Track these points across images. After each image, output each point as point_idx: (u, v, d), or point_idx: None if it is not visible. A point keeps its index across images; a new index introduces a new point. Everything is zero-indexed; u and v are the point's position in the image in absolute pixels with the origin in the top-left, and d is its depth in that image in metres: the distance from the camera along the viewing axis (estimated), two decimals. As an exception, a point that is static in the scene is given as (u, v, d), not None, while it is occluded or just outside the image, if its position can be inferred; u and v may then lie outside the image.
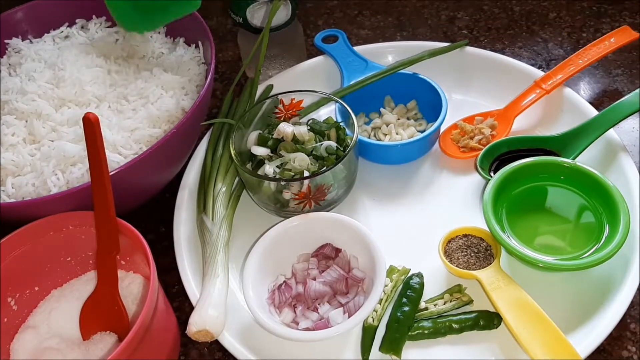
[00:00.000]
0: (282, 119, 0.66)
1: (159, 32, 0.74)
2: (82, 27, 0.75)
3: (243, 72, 0.71)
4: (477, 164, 0.64)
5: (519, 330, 0.50)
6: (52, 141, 0.60)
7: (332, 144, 0.62)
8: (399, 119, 0.70)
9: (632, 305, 0.52)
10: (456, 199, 0.64)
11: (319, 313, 0.54)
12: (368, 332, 0.53)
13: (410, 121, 0.70)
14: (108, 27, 0.75)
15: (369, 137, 0.69)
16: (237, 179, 0.66)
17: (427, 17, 0.90)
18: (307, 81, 0.75)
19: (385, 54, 0.78)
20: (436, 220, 0.62)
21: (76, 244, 0.56)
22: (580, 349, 0.48)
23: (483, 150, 0.65)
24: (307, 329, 0.53)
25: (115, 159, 0.58)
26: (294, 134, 0.62)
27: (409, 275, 0.57)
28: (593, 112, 0.66)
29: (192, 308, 0.54)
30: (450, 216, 0.62)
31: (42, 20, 0.75)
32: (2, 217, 0.55)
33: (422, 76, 0.70)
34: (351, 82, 0.72)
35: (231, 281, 0.59)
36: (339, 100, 0.65)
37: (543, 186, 0.60)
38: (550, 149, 0.65)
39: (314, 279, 0.56)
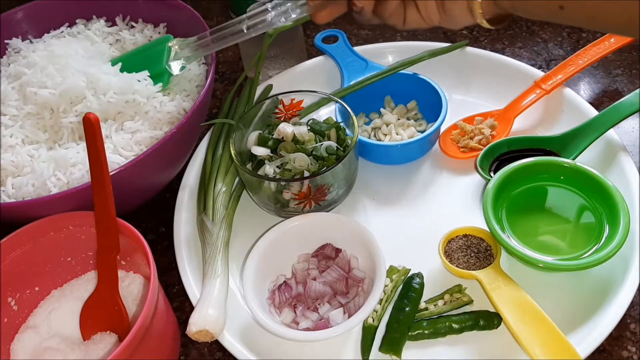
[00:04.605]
0: (282, 119, 0.66)
1: (159, 33, 0.74)
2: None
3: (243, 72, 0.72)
4: (477, 164, 0.64)
5: (519, 330, 0.50)
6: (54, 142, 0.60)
7: (332, 144, 0.62)
8: (399, 119, 0.70)
9: (632, 305, 0.52)
10: (456, 199, 0.64)
11: (319, 313, 0.54)
12: (368, 332, 0.53)
13: (410, 121, 0.70)
14: (108, 27, 0.75)
15: (369, 137, 0.69)
16: (237, 179, 0.66)
17: (427, 17, 0.90)
18: (307, 81, 0.75)
19: (386, 54, 0.78)
20: (436, 220, 0.62)
21: (76, 244, 0.56)
22: (580, 349, 0.48)
23: (483, 151, 0.65)
24: (307, 329, 0.53)
25: (116, 160, 0.58)
26: (294, 134, 0.62)
27: (409, 275, 0.57)
28: (593, 112, 0.66)
29: (192, 308, 0.54)
30: (450, 216, 0.62)
31: (42, 20, 0.75)
32: (2, 217, 0.55)
33: (422, 76, 0.70)
34: (351, 82, 0.72)
35: (231, 281, 0.59)
36: (339, 100, 0.65)
37: (543, 186, 0.60)
38: (550, 149, 0.65)
39: (314, 279, 0.56)
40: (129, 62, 0.66)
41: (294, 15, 0.56)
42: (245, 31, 0.59)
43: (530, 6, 0.48)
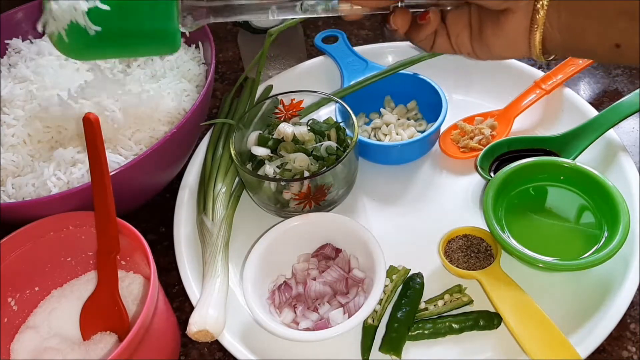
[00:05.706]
0: (282, 119, 0.66)
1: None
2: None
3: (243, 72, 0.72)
4: (477, 164, 0.64)
5: (519, 330, 0.50)
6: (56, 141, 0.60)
7: (332, 144, 0.62)
8: (399, 119, 0.70)
9: (632, 305, 0.52)
10: (456, 199, 0.64)
11: (319, 313, 0.54)
12: (368, 332, 0.53)
13: (410, 121, 0.70)
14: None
15: (369, 138, 0.69)
16: (237, 179, 0.66)
17: (427, 18, 0.90)
18: (307, 81, 0.75)
19: (386, 54, 0.78)
20: (436, 221, 0.62)
21: (76, 244, 0.56)
22: (580, 349, 0.48)
23: (483, 151, 0.65)
24: (307, 329, 0.53)
25: (116, 159, 0.58)
26: (294, 134, 0.62)
27: (409, 275, 0.57)
28: (593, 112, 0.66)
29: (192, 308, 0.54)
30: (450, 216, 0.62)
31: (42, 20, 0.75)
32: (2, 217, 0.55)
33: (422, 76, 0.70)
34: (351, 83, 0.72)
35: (231, 281, 0.59)
36: (339, 100, 0.65)
37: (543, 186, 0.60)
38: (550, 149, 0.65)
39: (314, 279, 0.56)
40: (119, 6, 0.48)
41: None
42: (300, 10, 0.51)
43: (583, 45, 0.45)
